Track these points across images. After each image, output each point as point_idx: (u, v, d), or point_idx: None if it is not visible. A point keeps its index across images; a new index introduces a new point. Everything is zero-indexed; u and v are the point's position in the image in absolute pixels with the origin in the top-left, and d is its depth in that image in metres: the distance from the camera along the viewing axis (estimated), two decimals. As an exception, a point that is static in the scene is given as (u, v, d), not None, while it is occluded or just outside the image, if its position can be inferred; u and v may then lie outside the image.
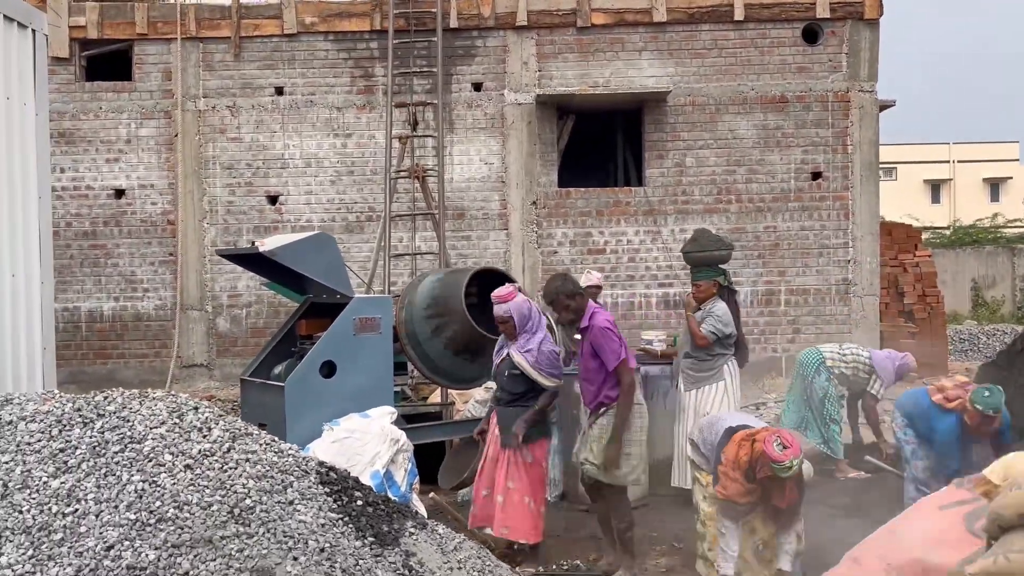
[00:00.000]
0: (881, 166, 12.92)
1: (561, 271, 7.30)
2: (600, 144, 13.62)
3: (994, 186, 45.26)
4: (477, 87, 12.16)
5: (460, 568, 4.32)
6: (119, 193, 12.12)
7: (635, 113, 12.38)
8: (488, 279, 8.12)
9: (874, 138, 12.22)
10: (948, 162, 44.74)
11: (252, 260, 8.12)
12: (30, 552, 3.42)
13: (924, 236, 17.51)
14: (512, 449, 5.82)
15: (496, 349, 6.27)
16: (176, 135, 12.04)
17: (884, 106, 12.94)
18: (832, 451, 7.49)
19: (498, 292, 6.01)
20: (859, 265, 12.18)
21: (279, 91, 12.12)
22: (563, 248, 12.14)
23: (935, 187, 45.51)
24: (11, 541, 3.46)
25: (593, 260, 11.90)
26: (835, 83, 12.16)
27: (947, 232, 27.35)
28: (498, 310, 5.92)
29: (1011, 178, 44.23)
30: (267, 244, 7.39)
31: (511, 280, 8.37)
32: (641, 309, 12.05)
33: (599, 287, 8.65)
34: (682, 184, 12.15)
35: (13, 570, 3.36)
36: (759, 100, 12.16)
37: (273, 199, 12.13)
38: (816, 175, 12.19)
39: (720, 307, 6.87)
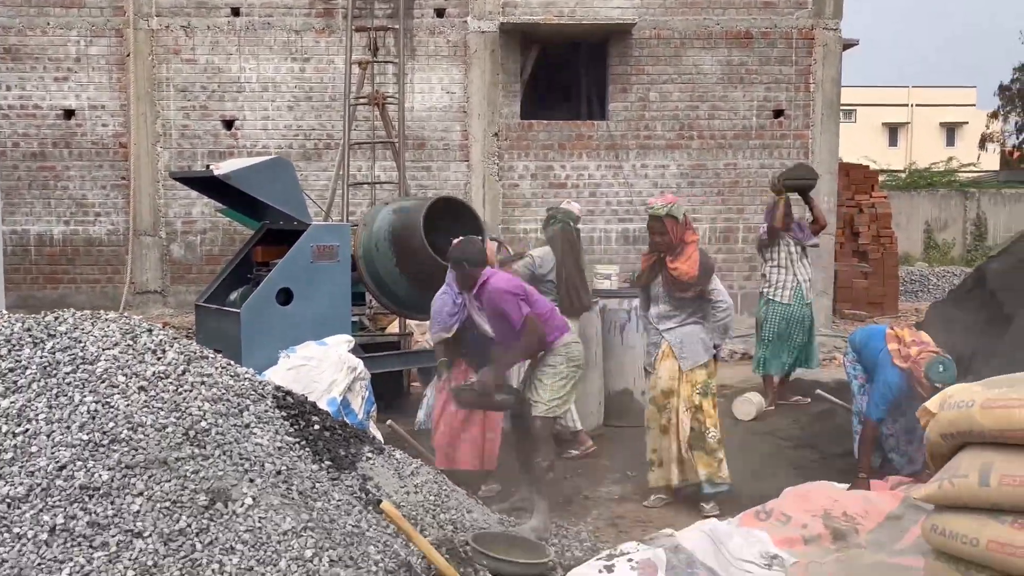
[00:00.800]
0: (841, 108, 12.94)
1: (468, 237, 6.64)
2: (564, 76, 13.46)
3: (950, 131, 45.81)
4: (440, 13, 11.91)
5: (417, 492, 4.36)
6: (68, 113, 11.76)
7: (600, 45, 12.24)
8: (447, 210, 8.06)
9: (836, 77, 12.22)
10: (906, 106, 45.09)
11: (207, 184, 7.97)
12: (-21, 471, 3.37)
13: (880, 178, 17.70)
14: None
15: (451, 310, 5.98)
16: (128, 55, 11.68)
17: (848, 45, 12.92)
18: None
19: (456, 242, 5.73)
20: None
21: (235, 11, 11.77)
22: (524, 181, 12.07)
23: (893, 130, 45.93)
24: (-40, 460, 3.40)
25: (554, 194, 11.85)
26: (800, 19, 12.10)
27: (903, 175, 27.64)
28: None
29: (967, 123, 44.72)
30: (223, 168, 7.25)
31: (471, 211, 8.33)
32: (601, 244, 12.06)
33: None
34: (645, 119, 12.09)
35: (-38, 488, 3.31)
36: (724, 35, 12.07)
37: (229, 123, 11.86)
38: (778, 113, 12.19)
39: None
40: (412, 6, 11.72)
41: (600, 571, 4.19)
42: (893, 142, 45.27)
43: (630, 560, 4.22)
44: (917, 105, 45.04)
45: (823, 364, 8.96)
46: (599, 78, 12.59)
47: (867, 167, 15.36)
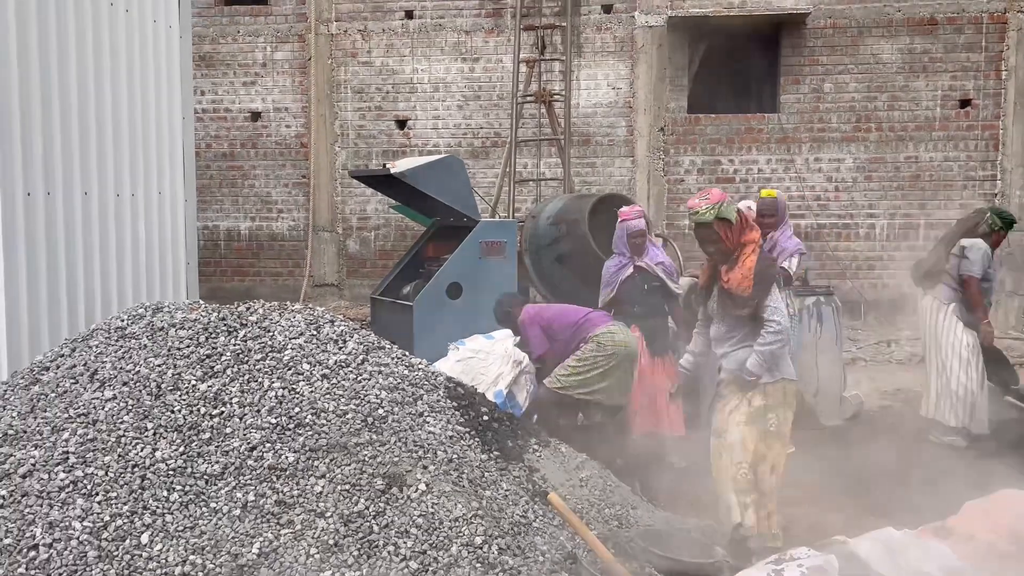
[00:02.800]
0: (1037, 94, 12.08)
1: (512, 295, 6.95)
2: (733, 68, 13.17)
3: None
4: (607, 9, 11.90)
5: (583, 486, 4.40)
6: (255, 116, 12.49)
7: (772, 36, 11.90)
8: (612, 207, 8.06)
9: (1032, 63, 11.42)
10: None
11: (383, 182, 8.29)
12: (182, 449, 3.65)
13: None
14: (661, 356, 6.38)
15: (614, 271, 6.49)
16: (309, 59, 12.28)
17: (1045, 28, 12.03)
18: None
19: (631, 209, 6.64)
20: (1007, 199, 11.50)
21: (408, 15, 12.16)
22: (690, 176, 11.90)
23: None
24: (164, 438, 3.69)
25: (722, 189, 11.61)
26: (991, 3, 11.36)
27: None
28: (637, 224, 6.45)
29: None
30: (398, 166, 7.53)
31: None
32: (769, 240, 11.73)
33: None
34: (819, 111, 11.67)
35: (167, 464, 3.59)
36: (906, 22, 11.49)
37: (402, 123, 12.28)
38: (964, 103, 11.50)
39: None
40: (579, 3, 11.77)
41: (769, 574, 4.10)
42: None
43: (800, 565, 4.11)
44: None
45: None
46: (770, 70, 12.24)
47: (1066, 159, 14.25)
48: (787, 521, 5.45)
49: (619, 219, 6.57)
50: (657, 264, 6.46)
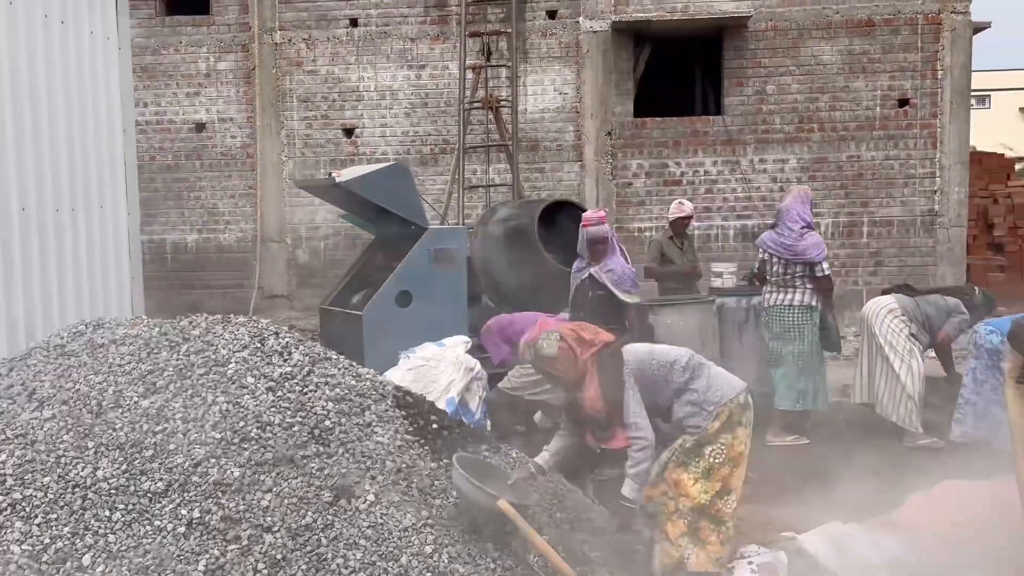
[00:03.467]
0: (974, 93, 12.37)
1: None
2: (677, 72, 13.31)
3: (1096, 114, 43.00)
4: (552, 15, 11.95)
5: (534, 491, 4.39)
6: (199, 127, 12.33)
7: (714, 40, 12.04)
8: (561, 211, 8.09)
9: (966, 62, 11.68)
10: (1046, 88, 42.57)
11: (330, 192, 8.23)
12: (124, 467, 3.59)
13: (1017, 166, 16.80)
14: None
15: (574, 274, 6.47)
16: (253, 68, 12.16)
17: (978, 28, 12.32)
18: None
19: (593, 214, 6.55)
20: (946, 195, 11.76)
21: (353, 23, 12.10)
22: (638, 180, 11.99)
23: (1032, 115, 43.44)
24: (106, 456, 3.63)
25: (669, 192, 11.72)
26: (926, 4, 11.61)
27: (1043, 162, 26.14)
28: (598, 231, 6.41)
29: (1114, 105, 41.93)
30: (344, 175, 7.48)
31: (584, 211, 8.32)
32: (718, 242, 11.87)
33: (686, 217, 8.44)
34: (762, 112, 11.83)
35: (109, 483, 3.53)
36: (844, 24, 11.70)
37: (349, 131, 12.21)
38: (903, 102, 11.73)
39: None
40: (524, 10, 11.81)
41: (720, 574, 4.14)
42: (1032, 127, 42.81)
43: (750, 563, 4.16)
44: (1058, 87, 42.46)
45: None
46: (714, 73, 12.39)
47: (1002, 155, 14.60)
48: (738, 519, 5.51)
49: (581, 223, 6.56)
50: (606, 272, 6.39)
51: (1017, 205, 12.98)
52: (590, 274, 6.46)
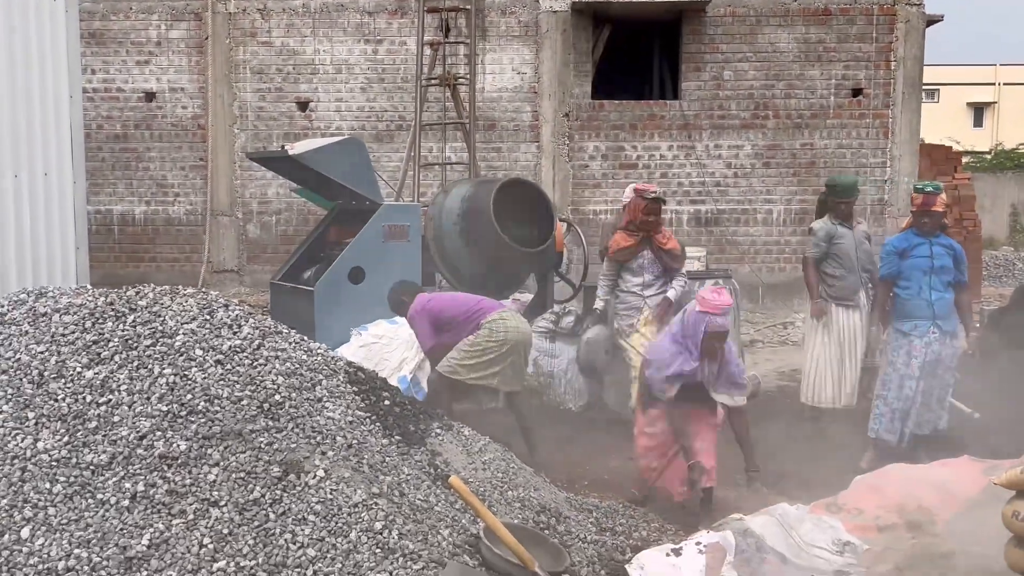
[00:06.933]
0: (924, 87, 12.56)
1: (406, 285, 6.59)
2: (636, 56, 13.32)
3: (1040, 110, 43.99)
4: (511, -7, 11.88)
5: (485, 469, 4.39)
6: (150, 96, 12.07)
7: (673, 24, 12.07)
8: (517, 191, 8.06)
9: (919, 54, 11.85)
10: (994, 84, 43.45)
11: (282, 165, 8.11)
12: (66, 439, 3.49)
13: (964, 160, 17.13)
14: None
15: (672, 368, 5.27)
16: (206, 38, 11.91)
17: (931, 21, 12.52)
18: None
19: (717, 298, 5.08)
20: (896, 185, 11.96)
21: (310, -6, 11.91)
22: (594, 162, 12.00)
23: (978, 110, 44.32)
24: (47, 428, 3.53)
25: (625, 175, 11.76)
26: (881, -5, 11.75)
27: (988, 156, 26.68)
28: (723, 324, 5.09)
29: (1058, 102, 42.92)
30: (297, 148, 7.37)
31: (541, 192, 8.30)
32: (672, 226, 11.93)
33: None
34: (719, 98, 11.90)
35: (50, 455, 3.43)
36: (801, 12, 11.80)
37: (303, 105, 12.03)
38: (856, 92, 11.89)
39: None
40: (484, -14, 11.72)
41: (668, 554, 4.17)
42: (979, 123, 43.67)
43: (698, 544, 4.19)
44: (1005, 84, 43.34)
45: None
46: (672, 57, 12.42)
47: (950, 148, 14.86)
48: (685, 504, 5.56)
49: (699, 306, 5.12)
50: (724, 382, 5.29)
51: (963, 197, 13.22)
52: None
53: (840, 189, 6.83)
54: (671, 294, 6.80)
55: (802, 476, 5.68)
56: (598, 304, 7.03)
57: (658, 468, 5.40)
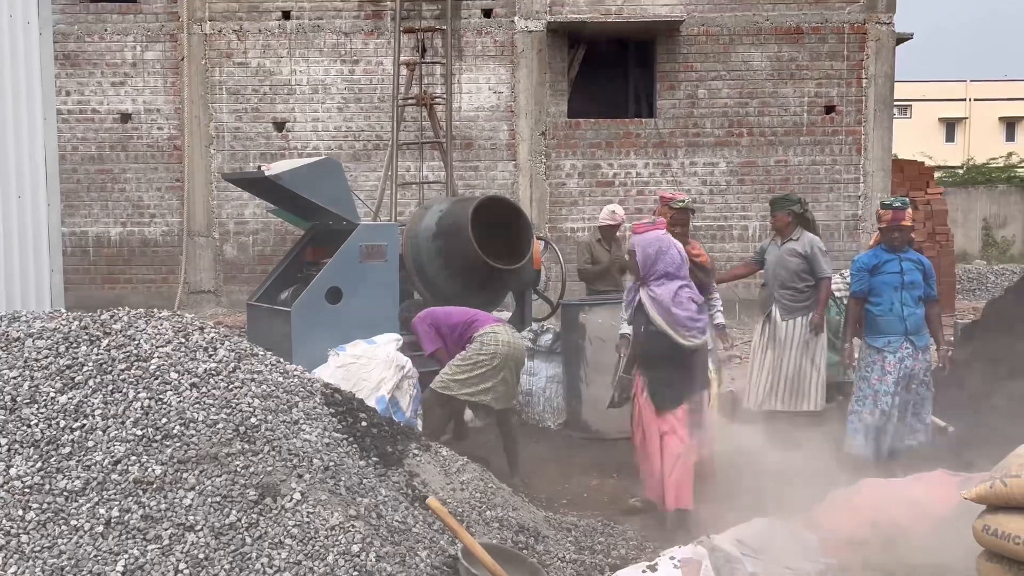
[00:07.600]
0: (896, 103, 12.74)
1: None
2: (611, 74, 13.43)
3: (1010, 125, 44.62)
4: (487, 13, 11.95)
5: (463, 489, 4.38)
6: (125, 117, 12.03)
7: (647, 43, 12.18)
8: (495, 209, 8.08)
9: (890, 72, 12.03)
10: (964, 100, 44.06)
11: (259, 186, 8.08)
12: (39, 464, 3.47)
13: (936, 175, 17.34)
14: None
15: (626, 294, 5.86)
16: (182, 59, 11.90)
17: (901, 39, 12.70)
18: None
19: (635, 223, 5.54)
20: (869, 201, 12.09)
21: (286, 15, 11.94)
22: (571, 180, 12.06)
23: (950, 126, 44.90)
24: (20, 454, 3.50)
25: (602, 193, 11.83)
26: (852, 14, 11.92)
27: (960, 171, 27.03)
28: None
29: (1028, 117, 43.58)
30: (273, 168, 7.35)
31: (518, 210, 8.33)
32: (648, 242, 12.00)
33: (614, 225, 8.36)
34: (693, 116, 12.01)
35: (22, 481, 3.40)
36: (774, 31, 11.95)
37: (280, 125, 12.03)
38: (829, 109, 12.03)
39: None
40: (460, 7, 11.78)
41: (644, 571, 4.18)
42: (950, 138, 44.24)
43: (672, 559, 4.20)
44: (975, 99, 43.96)
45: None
46: (647, 76, 12.53)
47: (922, 163, 15.06)
48: (660, 518, 5.57)
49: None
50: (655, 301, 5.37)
51: (936, 212, 13.39)
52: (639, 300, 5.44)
53: (770, 205, 7.08)
54: (719, 319, 6.37)
55: (776, 491, 5.71)
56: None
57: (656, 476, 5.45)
